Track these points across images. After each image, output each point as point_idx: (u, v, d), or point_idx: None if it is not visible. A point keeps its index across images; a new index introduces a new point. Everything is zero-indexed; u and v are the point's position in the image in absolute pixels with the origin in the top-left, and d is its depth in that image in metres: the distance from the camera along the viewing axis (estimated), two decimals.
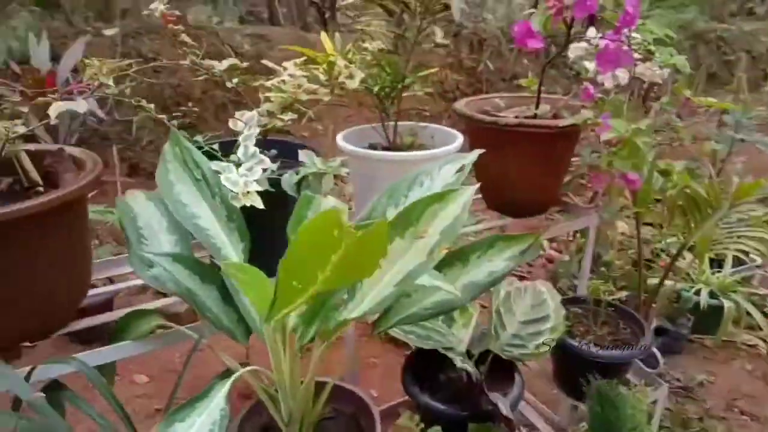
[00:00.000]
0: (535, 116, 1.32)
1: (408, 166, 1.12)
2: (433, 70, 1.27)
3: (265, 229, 0.87)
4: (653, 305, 1.68)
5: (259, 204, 0.80)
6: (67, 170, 0.97)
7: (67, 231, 0.86)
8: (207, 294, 0.82)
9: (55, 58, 3.11)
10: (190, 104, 3.92)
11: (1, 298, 0.78)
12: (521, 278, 2.39)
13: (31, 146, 0.96)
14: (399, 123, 1.27)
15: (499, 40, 5.40)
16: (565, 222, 1.32)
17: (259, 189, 0.83)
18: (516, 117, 1.30)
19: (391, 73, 1.17)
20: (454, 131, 1.26)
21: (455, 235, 0.63)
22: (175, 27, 1.00)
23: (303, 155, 0.90)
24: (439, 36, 1.08)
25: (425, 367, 1.06)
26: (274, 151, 1.09)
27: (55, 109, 0.83)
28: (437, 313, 0.77)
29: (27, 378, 0.78)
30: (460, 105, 1.33)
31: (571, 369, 1.21)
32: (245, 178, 0.81)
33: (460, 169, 0.80)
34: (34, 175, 0.97)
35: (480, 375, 0.96)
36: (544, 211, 1.33)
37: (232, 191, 0.78)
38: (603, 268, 1.93)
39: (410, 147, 1.26)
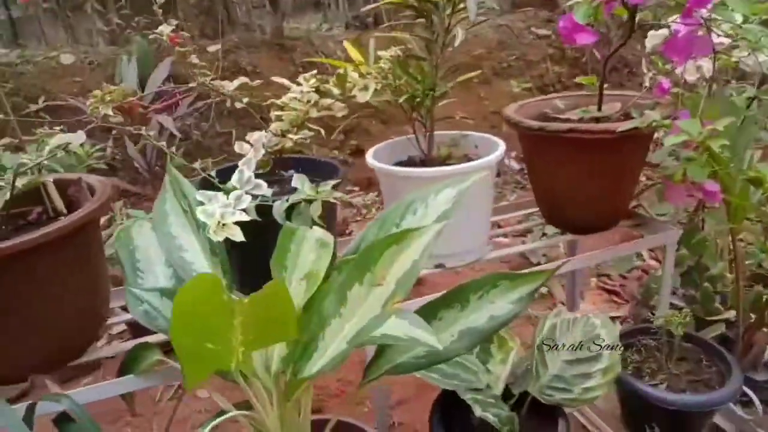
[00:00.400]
0: (597, 119, 1.14)
1: (435, 183, 1.01)
2: (473, 74, 1.14)
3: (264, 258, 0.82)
4: (765, 329, 1.40)
5: (239, 237, 0.74)
6: (86, 198, 0.99)
7: (75, 260, 0.87)
8: None
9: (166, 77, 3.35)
10: None
11: (3, 333, 0.80)
12: (611, 292, 2.16)
13: (55, 176, 0.99)
14: (438, 132, 1.16)
15: (608, 26, 4.99)
16: (634, 242, 1.13)
17: (245, 219, 0.77)
18: (576, 120, 1.14)
19: (421, 80, 1.06)
20: (496, 140, 1.13)
21: (411, 285, 0.53)
22: (182, 49, 0.98)
23: (296, 180, 0.83)
24: (460, 37, 0.96)
25: (457, 405, 0.95)
26: (291, 172, 1.03)
27: (56, 141, 0.84)
28: (431, 362, 0.66)
29: (31, 412, 0.79)
30: (510, 110, 1.19)
31: (638, 414, 1.03)
32: (225, 209, 0.75)
33: (458, 194, 0.69)
34: (59, 204, 1.00)
35: (513, 423, 0.83)
36: (610, 227, 1.15)
37: (206, 224, 0.73)
38: (707, 284, 1.66)
39: (447, 159, 1.15)
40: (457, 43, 0.96)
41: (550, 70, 4.75)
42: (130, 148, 2.33)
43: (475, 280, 0.69)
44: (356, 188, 3.44)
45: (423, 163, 1.15)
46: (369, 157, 1.10)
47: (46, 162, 0.92)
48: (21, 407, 0.79)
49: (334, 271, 0.71)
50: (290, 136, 0.95)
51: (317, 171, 1.09)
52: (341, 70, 0.92)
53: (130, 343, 0.93)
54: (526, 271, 0.72)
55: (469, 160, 1.16)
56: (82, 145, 3.14)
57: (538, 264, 2.06)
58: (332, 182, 0.82)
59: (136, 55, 3.57)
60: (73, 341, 0.90)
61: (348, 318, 0.56)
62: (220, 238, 0.71)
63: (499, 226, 1.32)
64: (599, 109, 1.14)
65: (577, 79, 1.17)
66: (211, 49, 4.30)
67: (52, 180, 0.96)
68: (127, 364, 0.90)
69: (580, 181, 1.07)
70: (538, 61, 4.81)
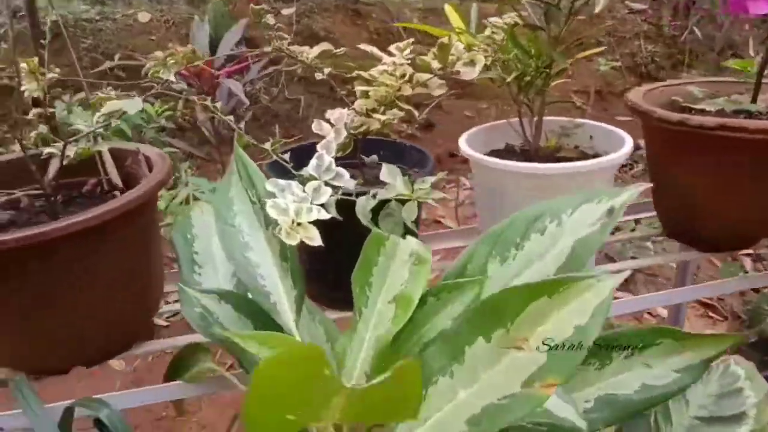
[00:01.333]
0: (750, 114, 0.93)
1: (546, 182, 0.84)
2: (593, 51, 0.95)
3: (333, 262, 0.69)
4: None
5: (317, 240, 0.60)
6: (144, 173, 0.88)
7: (130, 244, 0.76)
8: None
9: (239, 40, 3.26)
10: (355, 83, 3.91)
11: (42, 326, 0.70)
12: (706, 306, 1.91)
13: (111, 145, 0.89)
14: (546, 118, 0.98)
15: (713, 1, 4.50)
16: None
17: (324, 217, 0.63)
18: (714, 113, 0.93)
19: (535, 55, 0.88)
20: (620, 132, 0.94)
21: (575, 362, 0.37)
22: (257, 6, 0.84)
23: (386, 172, 0.68)
24: (601, 3, 0.77)
25: None
26: (374, 158, 0.89)
27: (109, 107, 0.72)
28: None
29: (70, 414, 0.69)
30: (635, 95, 0.99)
31: None
32: (301, 204, 0.62)
33: (609, 214, 0.52)
34: (114, 177, 0.89)
35: None
36: (750, 244, 0.94)
37: (277, 222, 0.60)
38: None
39: (556, 152, 0.97)
40: (598, 8, 0.77)
41: (644, 49, 4.36)
42: (198, 111, 2.25)
43: (624, 332, 0.52)
44: None
45: (526, 154, 0.98)
46: (463, 144, 0.94)
47: (101, 129, 0.82)
48: (58, 409, 0.70)
49: (431, 297, 0.56)
50: (377, 116, 0.79)
51: (402, 158, 0.94)
52: (445, 40, 0.76)
53: (180, 340, 0.83)
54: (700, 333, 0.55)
55: (583, 154, 0.98)
56: (152, 104, 3.09)
57: (619, 271, 1.84)
58: (431, 179, 0.67)
59: (210, 15, 3.50)
60: (121, 334, 0.80)
61: (464, 382, 0.41)
62: (294, 242, 0.58)
63: None
64: (754, 101, 0.93)
65: (730, 63, 0.96)
66: (286, 12, 4.19)
67: (107, 150, 0.85)
68: (175, 367, 0.79)
69: (724, 189, 0.87)
70: (630, 38, 4.42)
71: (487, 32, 0.87)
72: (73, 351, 0.74)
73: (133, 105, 0.70)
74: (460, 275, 0.57)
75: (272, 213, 0.59)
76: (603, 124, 0.98)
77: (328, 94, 4.17)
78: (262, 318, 0.66)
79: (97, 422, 0.73)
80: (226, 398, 1.51)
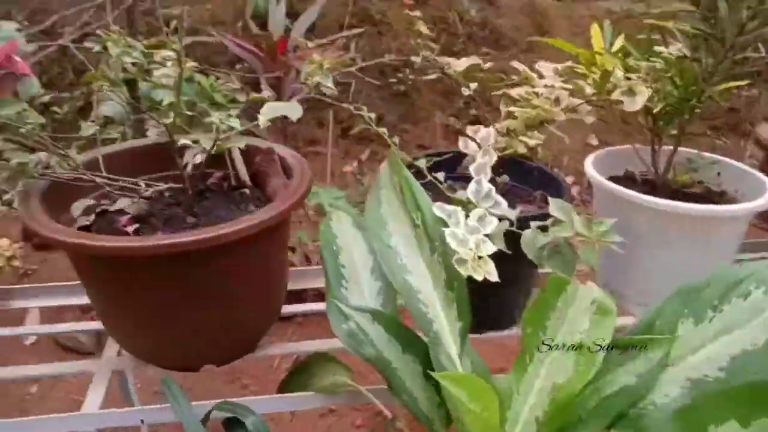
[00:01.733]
0: None
1: (688, 225, 0.81)
2: (743, 83, 0.91)
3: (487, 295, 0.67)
4: None
5: (494, 276, 0.59)
6: (276, 173, 0.87)
7: (270, 251, 0.76)
8: (406, 367, 0.65)
9: (294, 15, 3.22)
10: (407, 71, 3.85)
11: (189, 324, 0.70)
12: None
13: (246, 141, 0.87)
14: (666, 147, 0.95)
15: None
16: None
17: (492, 250, 0.62)
18: None
19: (681, 86, 0.85)
20: (757, 174, 0.91)
21: None
22: (412, 13, 0.82)
23: (555, 206, 0.66)
24: None
25: None
26: (506, 177, 0.87)
27: (267, 112, 0.71)
28: None
29: (206, 418, 0.70)
30: (766, 131, 0.96)
31: None
32: (476, 234, 0.60)
33: None
34: (243, 174, 0.89)
35: None
36: None
37: (457, 253, 0.58)
38: None
39: (687, 187, 0.94)
40: None
41: None
42: (267, 93, 2.24)
43: None
44: None
45: (649, 184, 0.95)
46: (590, 170, 0.92)
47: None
48: (202, 408, 0.70)
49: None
50: (523, 139, 0.77)
51: (527, 179, 0.92)
52: (612, 68, 0.73)
53: (306, 346, 0.83)
54: None
55: (709, 191, 0.95)
56: (207, 75, 3.06)
57: None
58: (610, 221, 0.65)
59: None
60: (251, 334, 0.80)
61: None
62: (480, 277, 0.56)
63: None
64: None
65: None
66: None
67: (243, 146, 0.84)
68: (301, 374, 0.79)
69: None
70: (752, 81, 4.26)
71: (638, 59, 0.84)
72: (209, 351, 0.74)
73: (294, 110, 0.69)
74: (647, 331, 0.55)
75: (453, 244, 0.58)
76: (738, 163, 0.95)
77: (379, 79, 4.13)
78: (412, 343, 0.66)
79: (228, 422, 0.73)
80: None
